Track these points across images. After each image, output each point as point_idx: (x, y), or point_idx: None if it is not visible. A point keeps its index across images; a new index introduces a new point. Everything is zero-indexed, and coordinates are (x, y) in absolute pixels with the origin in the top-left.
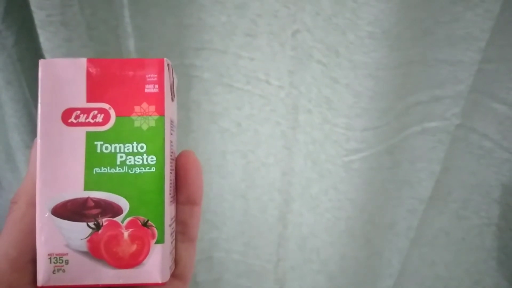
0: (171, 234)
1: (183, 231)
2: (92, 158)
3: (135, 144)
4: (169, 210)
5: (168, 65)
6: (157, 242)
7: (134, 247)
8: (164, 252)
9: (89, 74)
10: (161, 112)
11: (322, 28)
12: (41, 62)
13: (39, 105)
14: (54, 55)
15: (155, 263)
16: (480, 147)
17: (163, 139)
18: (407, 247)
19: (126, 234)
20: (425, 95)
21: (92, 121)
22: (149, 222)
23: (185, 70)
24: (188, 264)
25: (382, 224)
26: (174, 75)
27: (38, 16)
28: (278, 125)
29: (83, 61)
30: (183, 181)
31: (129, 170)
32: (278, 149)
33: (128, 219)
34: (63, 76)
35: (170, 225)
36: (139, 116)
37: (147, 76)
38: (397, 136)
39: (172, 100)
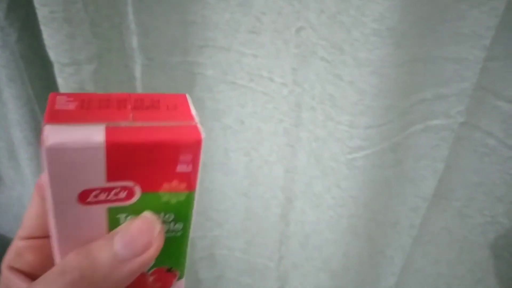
0: None
1: None
2: (115, 227)
3: (162, 214)
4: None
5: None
6: (178, 279)
7: (158, 285)
8: (185, 283)
9: (109, 157)
10: (192, 188)
11: (327, 25)
12: (47, 149)
13: (49, 189)
14: (57, 51)
15: None
16: (484, 145)
17: (192, 209)
18: (409, 245)
19: (151, 278)
20: (429, 93)
21: (114, 197)
22: (173, 268)
23: (189, 67)
24: None
25: (385, 222)
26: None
27: (41, 12)
28: (281, 123)
29: (100, 144)
30: None
31: None
32: (281, 146)
33: (153, 269)
34: (77, 162)
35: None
36: (167, 192)
37: (180, 157)
38: (400, 134)
39: None
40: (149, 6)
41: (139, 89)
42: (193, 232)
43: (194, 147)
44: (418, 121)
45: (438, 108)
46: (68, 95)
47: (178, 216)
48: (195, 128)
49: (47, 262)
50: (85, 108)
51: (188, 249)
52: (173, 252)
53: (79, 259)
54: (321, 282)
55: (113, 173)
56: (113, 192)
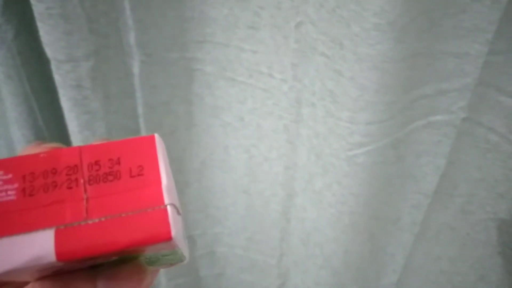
0: None
1: None
2: None
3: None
4: None
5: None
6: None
7: None
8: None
9: (61, 262)
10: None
11: (326, 20)
12: None
13: None
14: (54, 48)
15: None
16: (486, 141)
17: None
18: (411, 242)
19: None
20: (430, 88)
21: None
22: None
23: (187, 63)
24: None
25: (386, 219)
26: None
27: (38, 9)
28: (281, 119)
29: (50, 259)
30: None
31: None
32: (281, 143)
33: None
34: (25, 270)
35: None
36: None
37: (148, 248)
38: (402, 130)
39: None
40: (147, 2)
41: (138, 85)
42: (193, 230)
43: (164, 241)
44: (419, 117)
45: (440, 104)
46: (6, 168)
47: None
48: (163, 218)
49: None
50: (28, 195)
51: (187, 248)
52: (168, 260)
53: (55, 283)
54: (322, 279)
55: (66, 264)
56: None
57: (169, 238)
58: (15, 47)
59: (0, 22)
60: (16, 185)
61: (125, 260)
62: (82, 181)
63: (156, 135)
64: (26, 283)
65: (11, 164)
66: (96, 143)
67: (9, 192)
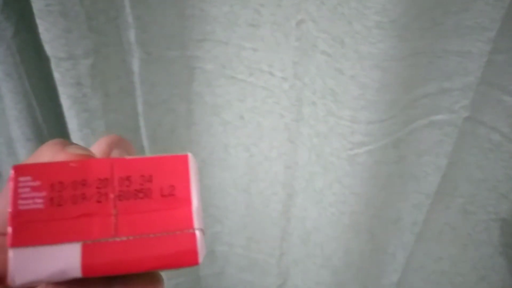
0: None
1: None
2: None
3: None
4: None
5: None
6: None
7: None
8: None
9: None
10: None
11: (327, 18)
12: (13, 285)
13: None
14: (53, 46)
15: None
16: (488, 141)
17: None
18: (412, 242)
19: None
20: (432, 87)
21: None
22: None
23: (187, 61)
24: None
25: (387, 219)
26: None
27: (37, 6)
28: (281, 118)
29: (76, 274)
30: None
31: None
32: (281, 142)
33: None
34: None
35: None
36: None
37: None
38: (403, 129)
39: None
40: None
41: (137, 83)
42: None
43: (190, 266)
44: (421, 116)
45: (442, 103)
46: (34, 174)
47: None
48: (191, 243)
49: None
50: (56, 205)
51: None
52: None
53: None
54: (322, 279)
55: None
56: None
57: (196, 263)
58: (15, 44)
59: (0, 19)
60: (44, 193)
61: None
62: (112, 196)
63: (190, 155)
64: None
65: (39, 171)
66: (128, 157)
67: (37, 200)
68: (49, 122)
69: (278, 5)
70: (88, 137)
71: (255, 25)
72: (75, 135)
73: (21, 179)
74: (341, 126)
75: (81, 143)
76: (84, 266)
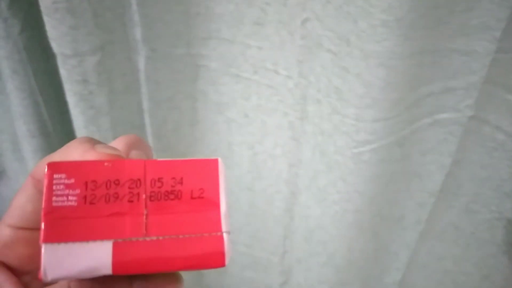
0: None
1: None
2: None
3: None
4: None
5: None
6: None
7: None
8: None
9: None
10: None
11: (333, 16)
12: (45, 280)
13: None
14: (60, 43)
15: None
16: (492, 140)
17: None
18: (415, 241)
19: None
20: (437, 86)
21: None
22: None
23: (192, 59)
24: None
25: (390, 217)
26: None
27: (44, 3)
28: (286, 116)
29: (106, 272)
30: None
31: None
32: (285, 140)
33: None
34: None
35: None
36: None
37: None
38: (408, 128)
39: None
40: None
41: (143, 81)
42: None
43: (217, 268)
44: (425, 115)
45: (447, 102)
46: (69, 172)
47: None
48: (219, 245)
49: (39, 258)
50: (89, 203)
51: None
52: None
53: (92, 284)
54: (325, 277)
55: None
56: None
57: (222, 265)
58: (21, 41)
59: (6, 16)
60: (78, 191)
61: None
62: (144, 196)
63: (220, 159)
64: None
65: (73, 168)
66: (160, 159)
67: (70, 198)
68: (55, 119)
69: (283, 4)
70: (93, 134)
71: (261, 24)
72: (81, 132)
73: (56, 176)
74: (346, 124)
75: None
76: (115, 264)
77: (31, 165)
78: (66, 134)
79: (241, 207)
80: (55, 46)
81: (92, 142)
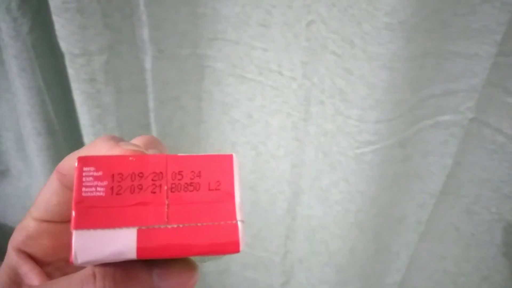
0: None
1: None
2: None
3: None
4: None
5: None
6: None
7: None
8: None
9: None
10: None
11: (338, 19)
12: (75, 263)
13: None
14: (68, 42)
15: None
16: (493, 142)
17: None
18: (416, 241)
19: None
20: (439, 88)
21: None
22: None
23: (198, 60)
24: None
25: (392, 218)
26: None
27: (54, 3)
28: (289, 117)
29: (131, 256)
30: None
31: None
32: (288, 141)
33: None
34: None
35: None
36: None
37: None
38: (410, 129)
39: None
40: None
41: (149, 80)
42: None
43: (232, 253)
44: (427, 117)
45: (448, 104)
46: (97, 165)
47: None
48: (234, 233)
49: (61, 250)
50: (116, 193)
51: None
52: (213, 257)
53: (117, 268)
54: (326, 277)
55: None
56: None
57: (237, 251)
58: (30, 40)
59: (16, 15)
60: (105, 183)
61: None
62: (165, 187)
63: (234, 155)
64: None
65: (101, 162)
66: (180, 154)
67: (98, 189)
68: (61, 117)
69: (289, 6)
70: (100, 132)
71: (266, 25)
72: (87, 130)
73: (85, 169)
74: (349, 125)
75: (93, 138)
76: (139, 249)
77: (35, 164)
78: (73, 132)
79: (243, 206)
80: (63, 45)
81: (116, 139)
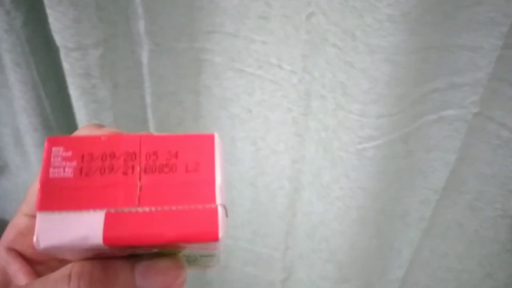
0: None
1: None
2: None
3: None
4: None
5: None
6: None
7: None
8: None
9: (108, 246)
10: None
11: (338, 10)
12: (38, 249)
13: None
14: (63, 36)
15: None
16: (497, 137)
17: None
18: (418, 238)
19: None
20: (442, 82)
21: None
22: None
23: (196, 53)
24: None
25: (394, 214)
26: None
27: None
28: (289, 112)
29: (97, 242)
30: None
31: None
32: (288, 136)
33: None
34: (71, 249)
35: None
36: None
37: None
38: (412, 124)
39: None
40: None
41: (146, 75)
42: None
43: (210, 241)
44: (430, 111)
45: (452, 98)
46: (66, 145)
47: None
48: (213, 218)
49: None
50: (84, 174)
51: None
52: (204, 261)
53: (95, 266)
54: (327, 274)
55: (109, 249)
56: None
57: (215, 239)
58: (24, 34)
59: (9, 8)
60: (74, 163)
61: (164, 253)
62: (138, 168)
63: (216, 134)
64: (68, 262)
65: (71, 143)
66: (156, 134)
67: (67, 169)
68: (57, 113)
69: None
70: None
71: (265, 18)
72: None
73: (54, 149)
74: (350, 120)
75: None
76: (106, 234)
77: (33, 159)
78: (69, 127)
79: (243, 203)
80: (58, 39)
81: (99, 126)
